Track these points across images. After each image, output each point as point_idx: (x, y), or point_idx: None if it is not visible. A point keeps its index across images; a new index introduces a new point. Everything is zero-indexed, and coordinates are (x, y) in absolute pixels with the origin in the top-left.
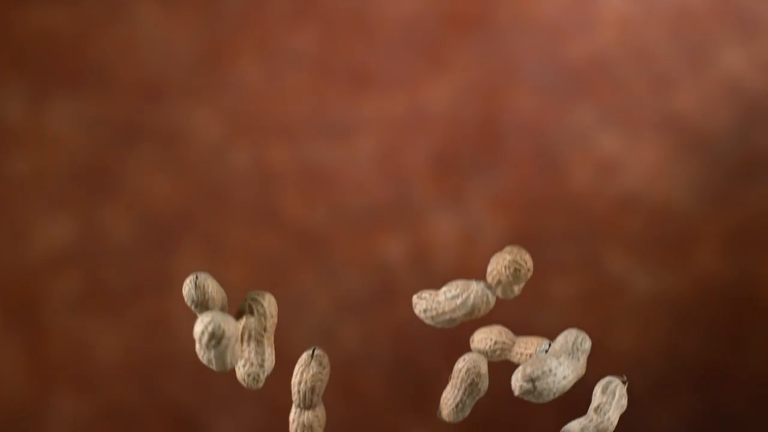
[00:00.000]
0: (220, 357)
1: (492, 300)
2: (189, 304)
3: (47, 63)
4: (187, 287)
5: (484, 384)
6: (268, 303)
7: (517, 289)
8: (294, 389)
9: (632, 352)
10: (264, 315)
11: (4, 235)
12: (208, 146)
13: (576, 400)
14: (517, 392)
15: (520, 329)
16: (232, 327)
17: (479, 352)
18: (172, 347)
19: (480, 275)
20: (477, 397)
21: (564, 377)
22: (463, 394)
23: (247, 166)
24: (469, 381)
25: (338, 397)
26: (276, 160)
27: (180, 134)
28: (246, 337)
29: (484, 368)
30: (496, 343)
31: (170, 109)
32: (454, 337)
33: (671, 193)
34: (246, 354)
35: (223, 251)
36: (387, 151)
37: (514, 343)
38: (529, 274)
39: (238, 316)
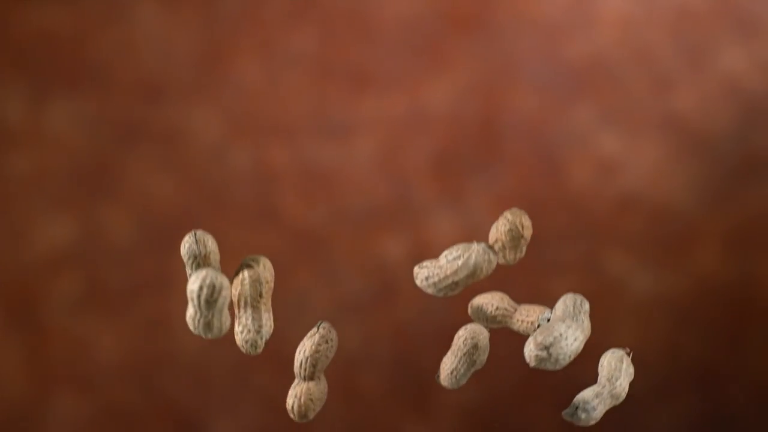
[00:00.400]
0: (218, 315)
1: (494, 260)
2: (189, 260)
3: (47, 63)
4: (188, 242)
5: (483, 356)
6: (263, 268)
7: (516, 254)
8: (296, 358)
9: (632, 351)
10: (259, 281)
11: (4, 235)
12: (208, 146)
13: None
14: (533, 363)
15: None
16: (227, 283)
17: (480, 317)
18: (172, 347)
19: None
20: (474, 369)
21: (575, 339)
22: (459, 362)
23: (247, 166)
24: (466, 350)
25: (338, 397)
26: (276, 160)
27: (180, 134)
28: (242, 303)
29: (483, 340)
30: (497, 308)
31: (170, 109)
32: (453, 338)
33: (671, 193)
34: (243, 320)
35: (223, 251)
36: (387, 151)
37: (515, 310)
38: (525, 235)
39: (233, 281)
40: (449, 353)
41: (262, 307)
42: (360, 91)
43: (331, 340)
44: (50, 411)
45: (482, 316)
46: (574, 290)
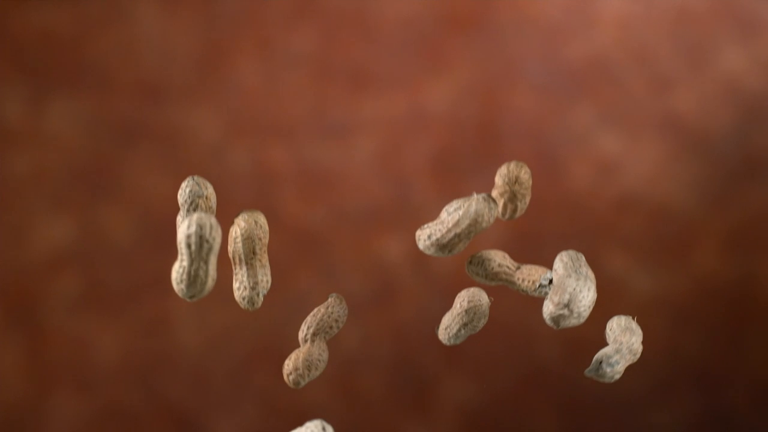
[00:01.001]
0: (205, 266)
1: (494, 208)
2: (188, 203)
3: (47, 63)
4: (189, 184)
5: (478, 322)
6: (255, 224)
7: (515, 207)
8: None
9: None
10: (251, 238)
11: (4, 235)
12: (208, 146)
13: (576, 401)
14: (558, 323)
15: (520, 330)
16: (220, 230)
17: (480, 272)
18: (171, 347)
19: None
20: (469, 331)
21: (588, 289)
22: (453, 321)
23: (247, 166)
24: (461, 311)
25: (338, 397)
26: (276, 160)
27: (180, 134)
28: (237, 261)
29: (482, 307)
30: (500, 265)
31: (170, 109)
32: None
33: (671, 193)
34: (239, 277)
35: (222, 251)
36: (387, 151)
37: (516, 268)
38: (521, 186)
39: (228, 239)
40: (449, 312)
41: (257, 264)
42: (360, 92)
43: (335, 311)
44: (50, 411)
45: (482, 272)
46: None
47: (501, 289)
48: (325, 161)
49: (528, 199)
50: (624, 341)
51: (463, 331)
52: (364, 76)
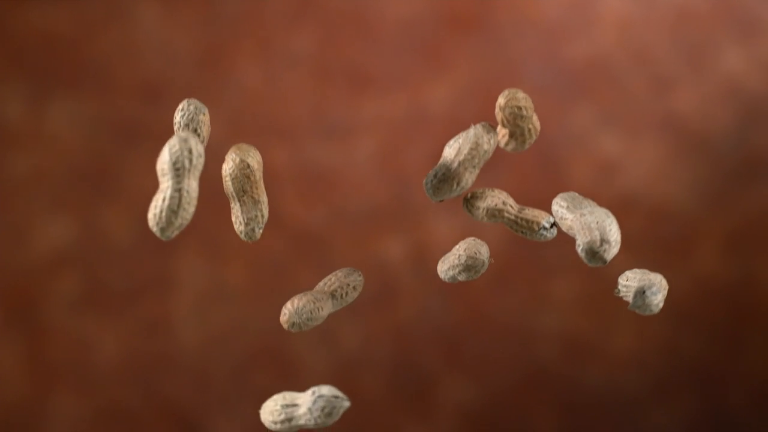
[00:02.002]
0: (187, 188)
1: (494, 135)
2: (183, 120)
3: (47, 63)
4: (189, 105)
5: (478, 274)
6: (241, 164)
7: (522, 131)
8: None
9: (632, 352)
10: (238, 177)
11: (4, 235)
12: (208, 146)
13: (576, 401)
14: (605, 260)
15: (520, 330)
16: (203, 152)
17: (485, 207)
18: (171, 348)
19: (480, 276)
20: (467, 280)
21: (606, 215)
22: (455, 271)
23: None
24: (461, 265)
25: None
26: (276, 161)
27: None
28: (230, 197)
29: (480, 262)
30: (504, 203)
31: (170, 109)
32: (453, 337)
33: (671, 194)
34: (235, 212)
35: (222, 251)
36: (387, 151)
37: (517, 209)
38: (523, 107)
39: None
40: (450, 255)
41: (248, 201)
42: (360, 92)
43: (355, 279)
44: (50, 411)
45: (484, 207)
46: (575, 291)
47: (501, 289)
48: (325, 161)
49: (534, 120)
50: (651, 277)
51: (459, 278)
52: (364, 76)
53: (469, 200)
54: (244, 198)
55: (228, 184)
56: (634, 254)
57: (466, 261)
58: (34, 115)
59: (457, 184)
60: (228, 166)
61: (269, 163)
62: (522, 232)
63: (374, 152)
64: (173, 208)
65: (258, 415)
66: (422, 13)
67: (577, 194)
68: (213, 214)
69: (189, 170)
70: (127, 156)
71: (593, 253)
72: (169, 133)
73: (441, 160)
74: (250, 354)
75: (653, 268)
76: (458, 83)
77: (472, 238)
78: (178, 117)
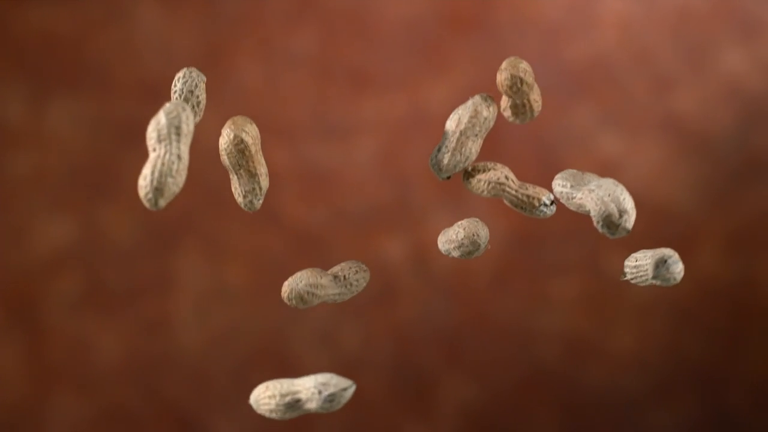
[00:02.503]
0: (177, 153)
1: (493, 104)
2: (186, 86)
3: (47, 63)
4: (191, 71)
5: (471, 255)
6: (235, 139)
7: (523, 99)
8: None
9: (632, 352)
10: (233, 153)
11: (4, 235)
12: (208, 146)
13: (576, 401)
14: (628, 229)
15: (521, 330)
16: (192, 118)
17: (487, 180)
18: (172, 348)
19: (480, 276)
20: (461, 258)
21: (615, 184)
22: (450, 246)
23: None
24: (457, 241)
25: None
26: (276, 161)
27: None
28: (229, 170)
29: (475, 245)
30: (506, 177)
31: None
32: (454, 337)
33: (671, 194)
34: (234, 184)
35: (223, 251)
36: (387, 151)
37: (518, 185)
38: (525, 79)
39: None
40: (452, 232)
41: (245, 174)
42: (360, 92)
43: (362, 276)
44: (50, 411)
45: (485, 180)
46: (575, 291)
47: (501, 289)
48: (325, 162)
49: (534, 95)
50: (665, 251)
51: (453, 254)
52: (364, 76)
53: (470, 173)
54: (241, 171)
55: (224, 159)
56: None
57: (462, 240)
58: (34, 115)
59: (461, 153)
60: (223, 141)
61: (270, 163)
62: (522, 207)
63: (374, 152)
64: (171, 173)
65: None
66: (422, 13)
67: (575, 171)
68: (213, 214)
69: (186, 135)
70: (127, 156)
71: (615, 225)
72: None
73: (445, 136)
74: (250, 354)
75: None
76: (458, 83)
77: (476, 219)
78: (179, 85)
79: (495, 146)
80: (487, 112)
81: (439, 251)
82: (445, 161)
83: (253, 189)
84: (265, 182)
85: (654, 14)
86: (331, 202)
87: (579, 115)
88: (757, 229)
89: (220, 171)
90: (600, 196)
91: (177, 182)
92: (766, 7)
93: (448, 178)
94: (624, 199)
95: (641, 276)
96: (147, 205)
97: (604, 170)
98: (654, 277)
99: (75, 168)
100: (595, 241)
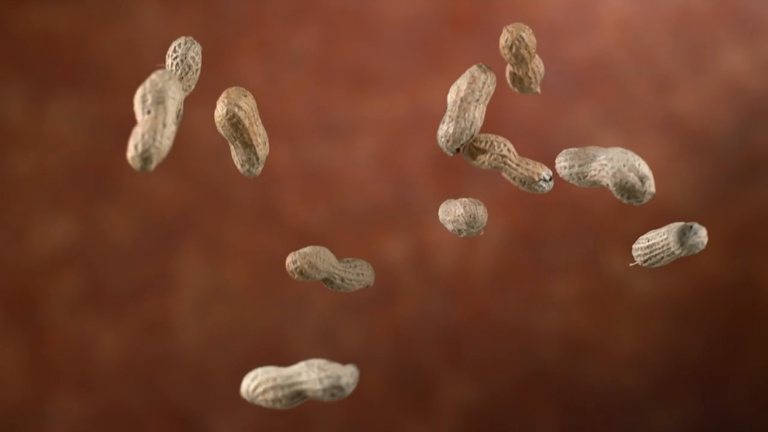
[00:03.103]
0: (173, 115)
1: (490, 71)
2: (179, 53)
3: (47, 63)
4: (187, 41)
5: (461, 234)
6: (227, 114)
7: (527, 69)
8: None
9: (632, 352)
10: (226, 126)
11: (4, 235)
12: (209, 146)
13: (576, 401)
14: (653, 192)
15: (521, 329)
16: (180, 94)
17: (490, 152)
18: (172, 348)
19: (480, 276)
20: (452, 231)
21: (623, 152)
22: (446, 216)
23: None
24: (453, 214)
25: None
26: (276, 161)
27: (181, 134)
28: (228, 140)
29: (473, 226)
30: (509, 150)
31: None
32: (454, 337)
33: (672, 193)
34: (233, 154)
35: (223, 251)
36: (387, 151)
37: (519, 160)
38: (527, 45)
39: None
40: (449, 204)
41: (241, 145)
42: (360, 92)
43: (367, 275)
44: (50, 411)
45: (488, 151)
46: (575, 291)
47: (501, 289)
48: (325, 161)
49: (536, 64)
50: (680, 223)
51: (447, 226)
52: (364, 76)
53: (472, 146)
54: (236, 143)
55: (220, 130)
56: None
57: (458, 216)
58: (35, 114)
59: (464, 119)
60: (217, 114)
61: (270, 163)
62: (522, 182)
63: (375, 152)
64: (158, 137)
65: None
66: (423, 12)
67: (573, 149)
68: (213, 214)
69: (173, 99)
70: (126, 156)
71: (641, 193)
72: None
73: (448, 107)
74: (250, 354)
75: (653, 269)
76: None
77: (479, 202)
78: (171, 57)
79: None
80: (485, 77)
81: (439, 251)
82: (451, 130)
83: (250, 159)
84: (262, 151)
85: (654, 14)
86: (332, 202)
87: (579, 114)
88: (757, 228)
89: (220, 171)
90: (616, 167)
91: (166, 144)
92: (766, 7)
93: (458, 150)
94: (639, 164)
95: (658, 254)
96: (136, 168)
97: None
98: (681, 247)
99: (75, 168)
100: (595, 241)
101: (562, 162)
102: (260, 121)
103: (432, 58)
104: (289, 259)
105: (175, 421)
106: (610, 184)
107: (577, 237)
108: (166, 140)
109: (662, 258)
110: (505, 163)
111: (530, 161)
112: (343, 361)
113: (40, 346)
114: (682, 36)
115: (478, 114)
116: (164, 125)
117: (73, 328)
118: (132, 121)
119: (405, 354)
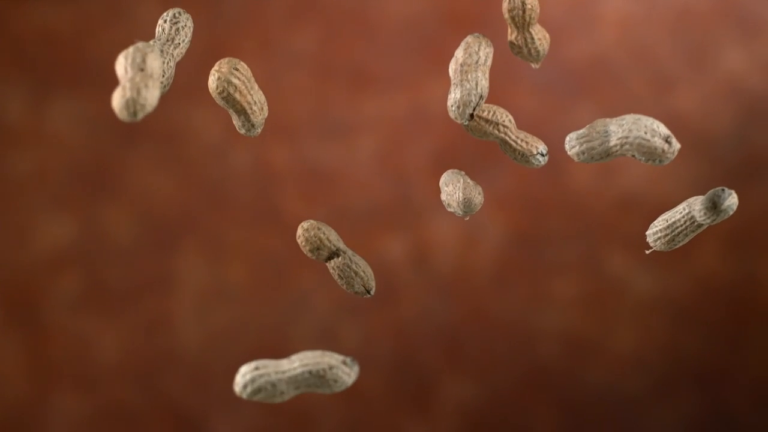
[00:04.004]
0: (147, 82)
1: (485, 38)
2: (168, 22)
3: (47, 63)
4: (171, 15)
5: (450, 208)
6: (218, 89)
7: (526, 34)
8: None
9: (632, 352)
10: (219, 97)
11: (4, 235)
12: (209, 146)
13: (576, 400)
14: (676, 149)
15: (521, 329)
16: (159, 63)
17: (494, 121)
18: (172, 347)
19: (480, 276)
20: (442, 201)
21: (636, 120)
22: (444, 191)
23: (248, 166)
24: (450, 192)
25: (338, 397)
26: (276, 160)
27: (181, 134)
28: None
29: (461, 206)
30: (510, 121)
31: (171, 109)
32: (454, 336)
33: (671, 193)
34: (233, 121)
35: (223, 251)
36: (387, 150)
37: (517, 132)
38: (528, 5)
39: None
40: (448, 185)
41: (235, 112)
42: (361, 91)
43: (367, 275)
44: (50, 410)
45: (489, 118)
46: (575, 290)
47: (501, 288)
48: (326, 161)
49: (538, 28)
50: (705, 195)
51: (442, 196)
52: (365, 75)
53: (473, 114)
54: (232, 111)
55: (216, 100)
56: (634, 254)
57: (454, 195)
58: (35, 114)
59: (467, 85)
60: (209, 87)
61: (270, 162)
62: (520, 154)
63: (375, 151)
64: (144, 91)
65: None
66: (423, 12)
67: (580, 131)
68: (213, 213)
69: (156, 57)
70: (127, 156)
71: (670, 152)
72: (171, 132)
73: (451, 76)
74: (250, 353)
75: (653, 268)
76: None
77: (478, 186)
78: (162, 20)
79: (495, 145)
80: (479, 41)
81: (439, 250)
82: (458, 95)
83: (245, 124)
84: (258, 117)
85: (654, 13)
86: (332, 201)
87: (579, 113)
88: (757, 228)
89: (220, 171)
90: (638, 138)
91: (153, 95)
92: (766, 6)
93: (471, 116)
94: (656, 125)
95: (680, 231)
96: (123, 118)
97: (604, 169)
98: (713, 213)
99: (75, 167)
100: (595, 241)
101: (575, 148)
102: (256, 87)
103: (432, 58)
104: (300, 229)
105: (175, 421)
106: (637, 155)
107: (577, 236)
108: (153, 91)
109: (686, 234)
110: (505, 133)
111: (528, 135)
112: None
113: (40, 345)
114: (682, 35)
115: (480, 75)
116: (151, 77)
117: (73, 328)
118: (131, 122)
119: (405, 353)
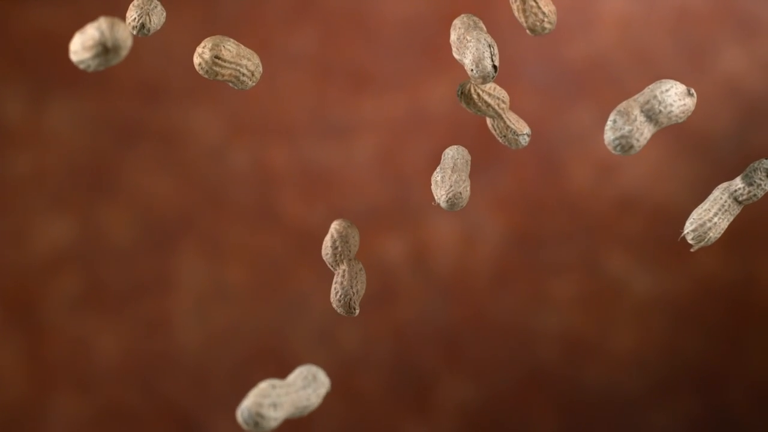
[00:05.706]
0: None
1: (479, 19)
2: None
3: (47, 63)
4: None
5: (435, 192)
6: (211, 70)
7: (527, 15)
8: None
9: (632, 352)
10: (205, 73)
11: (4, 235)
12: (208, 146)
13: (576, 401)
14: (694, 95)
15: (520, 329)
16: (128, 41)
17: (495, 95)
18: (171, 347)
19: (479, 276)
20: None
21: (653, 90)
22: (434, 187)
23: (247, 166)
24: (440, 179)
25: (338, 397)
26: (276, 161)
27: (180, 134)
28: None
29: (450, 198)
30: (506, 96)
31: (170, 110)
32: (453, 337)
33: (671, 193)
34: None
35: (223, 251)
36: (387, 151)
37: (509, 111)
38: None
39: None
40: (438, 176)
41: (226, 79)
42: (360, 92)
43: (359, 288)
44: (50, 411)
45: (489, 94)
46: (575, 291)
47: (501, 289)
48: (325, 161)
49: (545, 5)
50: (738, 178)
51: (433, 178)
52: (364, 76)
53: (470, 89)
54: (219, 80)
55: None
56: (634, 254)
57: (444, 184)
58: (34, 114)
59: (471, 42)
60: (202, 70)
61: (269, 163)
62: (511, 131)
63: (374, 152)
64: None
65: None
66: (423, 12)
67: (618, 111)
68: (213, 214)
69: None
70: (127, 156)
71: (693, 104)
72: (170, 132)
73: (453, 49)
74: (250, 354)
75: (653, 268)
76: (458, 83)
77: (467, 180)
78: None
79: (495, 146)
80: (465, 16)
81: (438, 251)
82: (469, 57)
83: (237, 85)
84: (250, 80)
85: (653, 14)
86: (331, 202)
87: (578, 114)
88: (757, 228)
89: (219, 171)
90: (674, 103)
91: (126, 44)
92: (765, 7)
93: (495, 68)
94: (668, 87)
95: (728, 203)
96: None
97: (604, 169)
98: (749, 191)
99: (75, 168)
100: (595, 241)
101: (624, 127)
102: (243, 53)
103: (432, 58)
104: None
105: (175, 421)
106: (680, 120)
107: (576, 237)
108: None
109: (733, 209)
110: (501, 108)
111: (518, 117)
112: (343, 361)
113: (39, 346)
114: (681, 36)
115: (482, 38)
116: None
117: (72, 328)
118: (132, 121)
119: (404, 354)
